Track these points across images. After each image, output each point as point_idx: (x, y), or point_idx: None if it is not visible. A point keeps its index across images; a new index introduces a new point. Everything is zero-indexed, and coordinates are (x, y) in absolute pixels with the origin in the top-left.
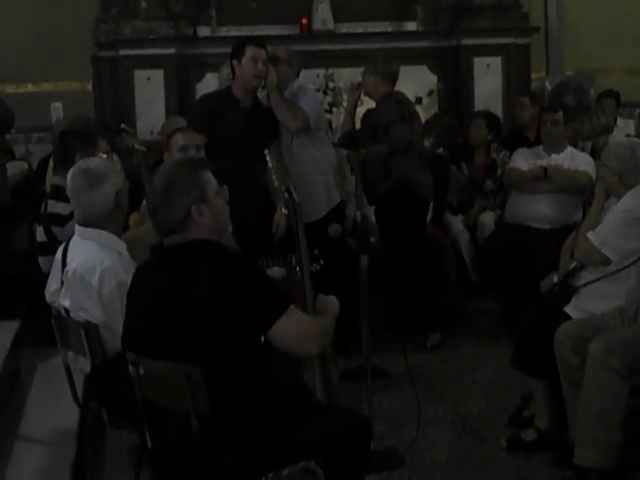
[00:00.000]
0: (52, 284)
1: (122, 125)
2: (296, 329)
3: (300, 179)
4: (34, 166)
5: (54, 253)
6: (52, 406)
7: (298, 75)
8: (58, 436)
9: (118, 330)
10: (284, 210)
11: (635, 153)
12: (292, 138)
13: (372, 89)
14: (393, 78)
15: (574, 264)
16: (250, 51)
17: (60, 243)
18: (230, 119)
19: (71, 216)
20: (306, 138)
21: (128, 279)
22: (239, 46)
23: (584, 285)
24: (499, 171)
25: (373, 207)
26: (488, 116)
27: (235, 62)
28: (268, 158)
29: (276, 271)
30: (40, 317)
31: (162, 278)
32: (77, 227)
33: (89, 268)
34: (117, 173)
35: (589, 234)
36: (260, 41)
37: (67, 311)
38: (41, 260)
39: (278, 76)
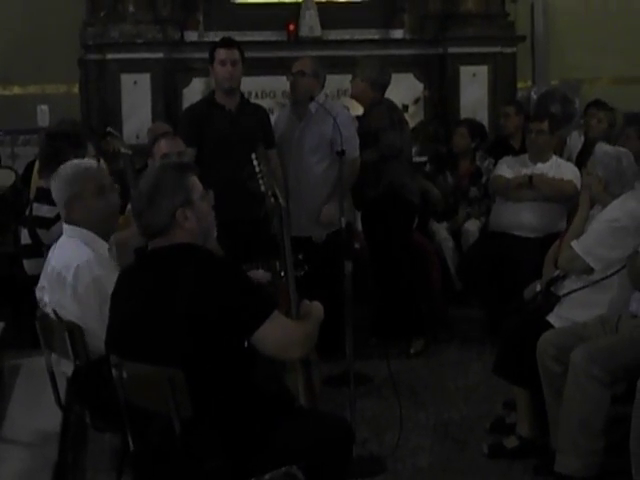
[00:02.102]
0: (41, 281)
1: (108, 128)
2: (279, 334)
3: (314, 197)
4: (20, 170)
5: (39, 256)
6: (35, 408)
7: (324, 84)
8: (40, 438)
9: (94, 327)
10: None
11: (621, 162)
12: (318, 159)
13: (361, 95)
14: (384, 87)
15: (557, 272)
16: (218, 54)
17: (46, 246)
18: (216, 125)
19: (57, 219)
20: (332, 161)
21: (103, 274)
22: (210, 51)
23: (567, 294)
24: (484, 178)
25: (360, 213)
26: (471, 124)
27: (210, 67)
28: (255, 162)
29: (260, 274)
30: (24, 319)
31: (146, 282)
32: (62, 224)
33: (65, 265)
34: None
35: (573, 243)
36: (228, 42)
37: (56, 313)
38: (26, 263)
39: (304, 89)
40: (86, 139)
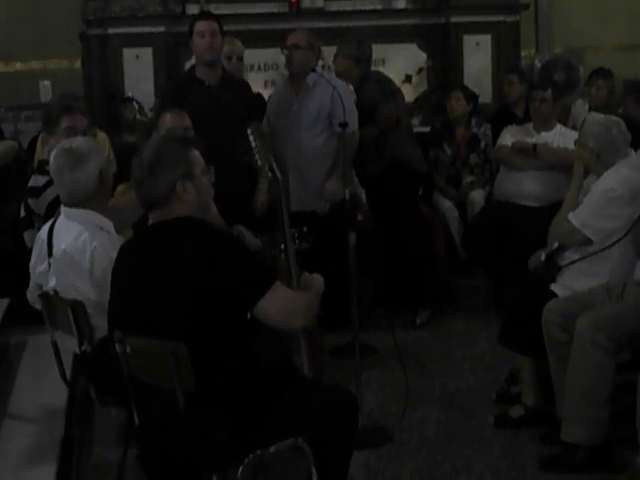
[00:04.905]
0: (38, 265)
1: (129, 93)
2: (281, 304)
3: (313, 171)
4: (24, 145)
5: (34, 226)
6: (41, 384)
7: (319, 56)
8: (47, 414)
9: None
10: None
11: (610, 131)
12: (317, 133)
13: (347, 72)
14: (367, 60)
15: (557, 244)
16: (196, 26)
17: (36, 215)
18: (196, 100)
19: (45, 187)
20: (330, 134)
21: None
22: (189, 26)
23: (568, 264)
24: (482, 144)
25: (364, 190)
26: (465, 89)
27: (190, 42)
28: (251, 138)
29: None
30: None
31: (146, 256)
32: (63, 208)
33: (79, 248)
34: (103, 152)
35: (569, 215)
36: (207, 14)
37: (56, 292)
38: (25, 235)
39: (300, 63)
40: (78, 111)
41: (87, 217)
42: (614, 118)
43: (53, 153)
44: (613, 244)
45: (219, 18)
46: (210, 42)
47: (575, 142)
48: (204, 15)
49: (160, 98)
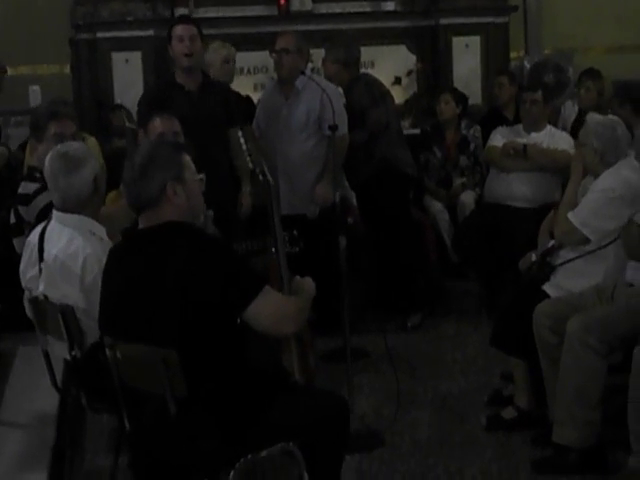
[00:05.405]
0: (28, 270)
1: (118, 101)
2: (272, 309)
3: (304, 174)
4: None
5: (23, 233)
6: (32, 391)
7: (309, 58)
8: (38, 420)
9: None
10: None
11: (615, 131)
12: (307, 136)
13: (336, 76)
14: (356, 63)
15: (551, 243)
16: (175, 31)
17: (26, 222)
18: (176, 106)
19: (35, 194)
20: (320, 137)
21: None
22: (168, 31)
23: (562, 264)
24: (472, 146)
25: (355, 193)
26: (455, 91)
27: (169, 47)
28: (242, 140)
29: None
30: (21, 302)
31: (136, 261)
32: (55, 213)
33: (71, 255)
34: (97, 157)
35: (569, 215)
36: (186, 18)
37: (46, 297)
38: (15, 242)
39: (289, 67)
40: (65, 117)
41: (80, 222)
42: (615, 118)
43: (48, 157)
44: (609, 243)
45: (198, 22)
46: (189, 46)
47: (576, 143)
48: (183, 19)
49: (139, 103)
